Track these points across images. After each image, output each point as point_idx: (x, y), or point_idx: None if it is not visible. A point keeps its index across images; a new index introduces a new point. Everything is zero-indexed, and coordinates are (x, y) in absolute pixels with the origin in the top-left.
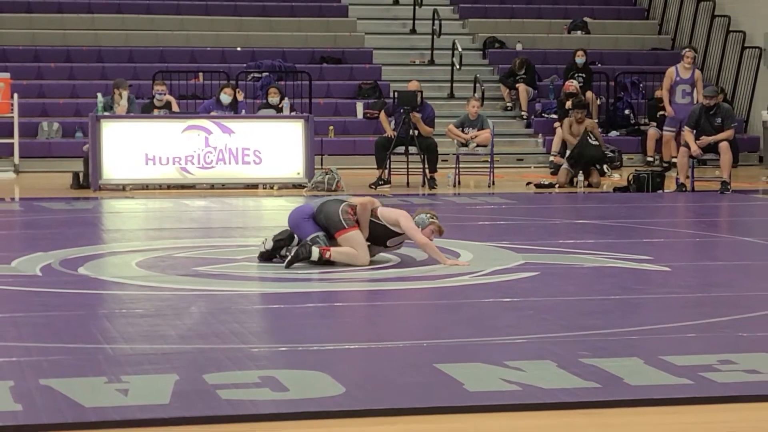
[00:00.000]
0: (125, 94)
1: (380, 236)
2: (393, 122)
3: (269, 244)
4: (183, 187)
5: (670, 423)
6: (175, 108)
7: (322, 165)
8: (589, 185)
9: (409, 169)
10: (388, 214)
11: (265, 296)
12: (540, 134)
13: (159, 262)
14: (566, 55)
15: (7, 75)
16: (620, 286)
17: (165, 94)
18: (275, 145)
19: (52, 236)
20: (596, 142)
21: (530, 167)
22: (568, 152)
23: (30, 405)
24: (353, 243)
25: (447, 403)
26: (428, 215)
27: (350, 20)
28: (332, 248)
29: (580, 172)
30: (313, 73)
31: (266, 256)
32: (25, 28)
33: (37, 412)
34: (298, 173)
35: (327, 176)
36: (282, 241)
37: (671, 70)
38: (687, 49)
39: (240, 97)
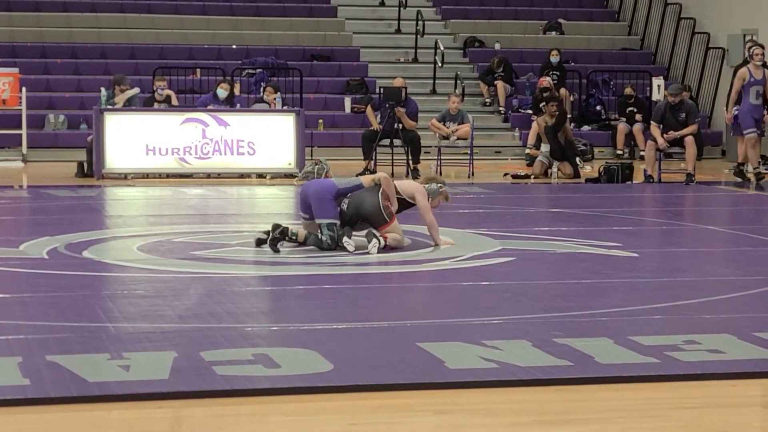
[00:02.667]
0: (127, 89)
1: (399, 209)
2: (379, 116)
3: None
4: (181, 176)
5: (638, 398)
6: (174, 102)
7: (312, 156)
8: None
9: (394, 161)
10: (406, 187)
11: (258, 279)
12: (516, 128)
13: (158, 247)
14: (541, 54)
15: (16, 70)
16: (591, 270)
17: (165, 89)
18: (268, 137)
19: (58, 222)
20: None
21: (507, 159)
22: (543, 146)
23: (37, 379)
24: (397, 230)
25: (429, 379)
26: (438, 185)
27: (339, 20)
28: (388, 235)
29: (555, 163)
30: (303, 69)
31: (261, 243)
32: (33, 26)
33: (44, 387)
34: (290, 164)
35: (317, 167)
36: (277, 237)
37: (743, 72)
38: (755, 46)
39: (237, 91)
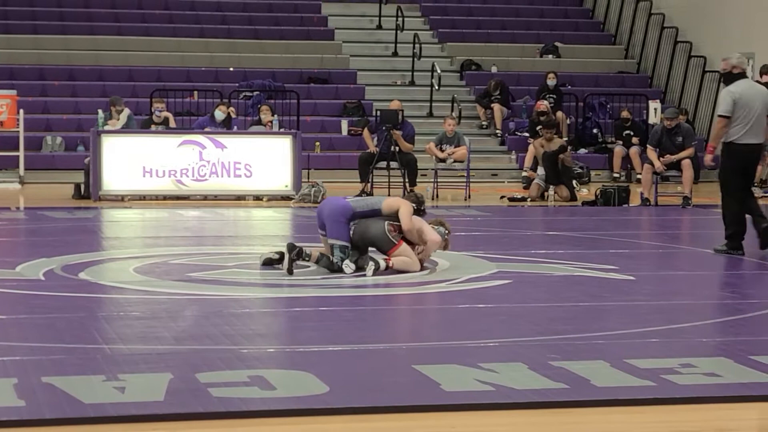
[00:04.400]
0: (124, 110)
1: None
2: (375, 139)
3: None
4: (178, 198)
5: (634, 422)
6: (172, 124)
7: (308, 178)
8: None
9: (391, 183)
10: (417, 224)
11: (254, 301)
12: (513, 151)
13: (155, 268)
14: (538, 77)
15: (14, 92)
16: (588, 293)
17: (163, 111)
18: (265, 159)
19: (55, 243)
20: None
21: (504, 182)
22: (539, 169)
23: (33, 401)
24: (406, 253)
25: (424, 401)
26: (446, 231)
27: (336, 43)
28: (393, 258)
29: (552, 186)
30: (301, 92)
31: (272, 263)
32: (31, 48)
33: (40, 408)
34: (286, 186)
35: (313, 189)
36: (294, 259)
37: None
38: None
39: (233, 114)
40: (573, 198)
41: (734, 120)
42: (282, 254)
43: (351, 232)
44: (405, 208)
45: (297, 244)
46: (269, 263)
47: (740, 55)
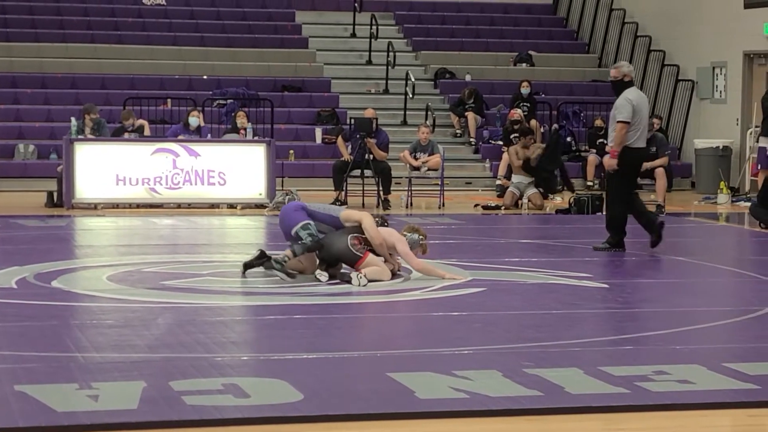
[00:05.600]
0: (96, 118)
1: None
2: (350, 147)
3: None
4: (151, 206)
5: (608, 429)
6: (147, 132)
7: (282, 186)
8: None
9: (365, 191)
10: (387, 236)
11: (228, 309)
12: (487, 159)
13: (128, 277)
14: (512, 85)
15: None
16: (562, 301)
17: (132, 127)
18: (239, 167)
19: (27, 251)
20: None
21: (478, 190)
22: (513, 177)
23: (5, 409)
24: (374, 263)
25: (399, 409)
26: (420, 237)
27: (310, 51)
28: (363, 270)
29: (526, 194)
30: (275, 100)
31: (249, 266)
32: (4, 56)
33: (12, 416)
34: (260, 194)
35: (287, 197)
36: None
37: None
38: None
39: (201, 122)
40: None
41: (631, 126)
42: (262, 252)
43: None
44: (367, 220)
45: (270, 254)
46: (250, 266)
47: (629, 63)
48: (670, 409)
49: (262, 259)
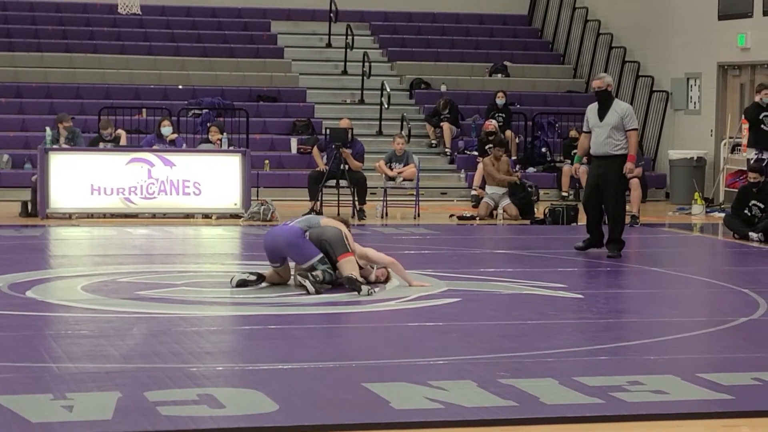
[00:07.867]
0: (70, 126)
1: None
2: (325, 157)
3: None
4: (126, 216)
5: None
6: (123, 141)
7: (258, 197)
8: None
9: (340, 202)
10: (357, 248)
11: (203, 319)
12: (462, 170)
13: (103, 287)
14: (487, 96)
15: None
16: (536, 311)
17: (110, 137)
18: (214, 177)
19: (1, 261)
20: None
21: (453, 200)
22: (488, 188)
23: None
24: (353, 265)
25: (374, 419)
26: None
27: (285, 61)
28: (340, 260)
29: (501, 204)
30: (250, 110)
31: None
32: None
33: None
34: (236, 204)
35: (263, 207)
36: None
37: None
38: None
39: (173, 131)
40: (525, 213)
41: (622, 133)
42: (259, 276)
43: (308, 236)
44: (347, 231)
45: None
46: (243, 284)
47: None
48: (645, 420)
49: (259, 282)
